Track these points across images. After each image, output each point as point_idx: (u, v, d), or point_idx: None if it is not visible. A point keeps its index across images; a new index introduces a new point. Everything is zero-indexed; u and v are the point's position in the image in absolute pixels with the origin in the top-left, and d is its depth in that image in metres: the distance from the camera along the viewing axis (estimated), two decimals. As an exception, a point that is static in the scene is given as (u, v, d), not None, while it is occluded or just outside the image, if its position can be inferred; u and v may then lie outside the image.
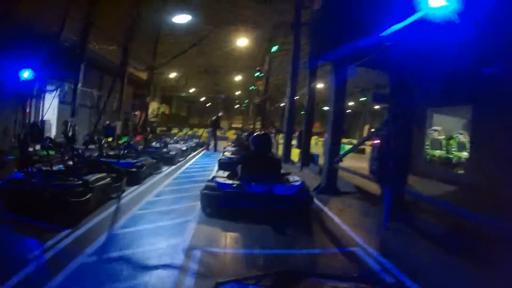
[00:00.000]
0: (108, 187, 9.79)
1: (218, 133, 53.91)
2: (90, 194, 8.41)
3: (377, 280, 2.90)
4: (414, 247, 7.49)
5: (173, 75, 43.23)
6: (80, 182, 8.55)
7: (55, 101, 21.50)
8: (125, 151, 14.55)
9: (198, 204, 9.48)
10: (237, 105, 73.16)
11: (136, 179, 12.52)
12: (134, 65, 31.63)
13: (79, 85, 22.74)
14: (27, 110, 18.54)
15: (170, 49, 35.17)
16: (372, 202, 11.29)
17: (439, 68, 10.61)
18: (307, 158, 19.44)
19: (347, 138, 56.34)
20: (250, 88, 48.64)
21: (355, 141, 48.83)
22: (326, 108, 59.04)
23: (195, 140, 30.76)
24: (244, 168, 10.02)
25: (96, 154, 13.86)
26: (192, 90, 57.33)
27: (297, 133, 20.65)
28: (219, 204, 8.82)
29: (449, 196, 11.40)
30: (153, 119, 48.87)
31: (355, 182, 13.72)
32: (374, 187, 11.46)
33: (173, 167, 17.32)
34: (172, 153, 18.54)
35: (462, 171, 17.32)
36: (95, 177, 9.22)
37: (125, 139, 23.68)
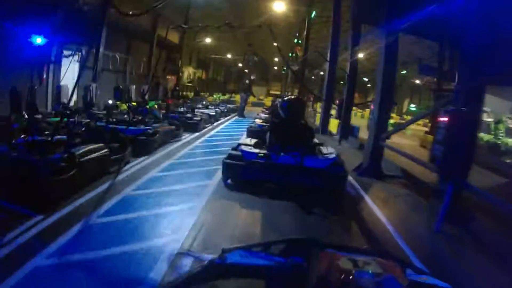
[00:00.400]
0: (104, 160, 8.18)
1: (253, 98, 53.26)
2: (74, 170, 6.82)
3: (397, 256, 2.21)
4: (476, 266, 5.52)
5: (208, 40, 41.00)
6: (65, 155, 6.92)
7: (76, 66, 20.35)
8: (136, 117, 12.85)
9: (211, 183, 8.16)
10: (276, 71, 71.47)
11: (146, 148, 11.02)
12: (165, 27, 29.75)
13: (101, 49, 21.30)
14: (44, 77, 17.90)
15: (204, 13, 33.22)
16: (421, 192, 9.24)
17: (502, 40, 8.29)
18: (347, 131, 17.33)
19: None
20: (289, 54, 46.21)
21: (394, 116, 47.18)
22: (366, 79, 59.08)
23: (228, 105, 28.93)
24: (272, 136, 8.84)
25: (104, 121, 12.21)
26: (229, 56, 55.10)
27: (337, 102, 18.33)
28: (242, 175, 7.91)
29: (502, 191, 9.48)
30: (189, 84, 47.71)
31: (398, 162, 11.66)
32: (420, 170, 9.74)
33: (196, 134, 15.72)
34: (196, 118, 16.82)
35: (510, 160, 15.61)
36: (86, 148, 7.59)
37: (152, 103, 22.34)
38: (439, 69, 22.21)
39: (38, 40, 15.58)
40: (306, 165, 7.58)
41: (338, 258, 1.87)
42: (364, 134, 18.48)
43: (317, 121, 23.31)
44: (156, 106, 20.54)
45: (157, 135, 11.76)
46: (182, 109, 18.04)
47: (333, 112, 20.76)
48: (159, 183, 8.18)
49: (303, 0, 32.26)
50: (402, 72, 50.37)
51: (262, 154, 7.83)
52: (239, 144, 8.67)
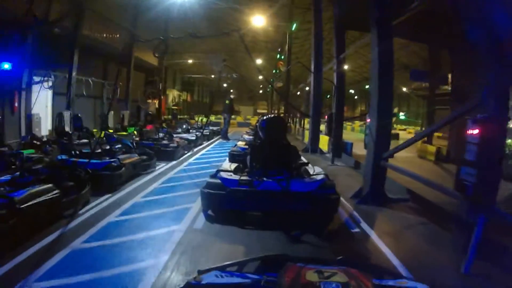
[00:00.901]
0: (54, 204, 6.70)
1: (240, 118, 51.62)
2: (14, 219, 5.50)
3: (365, 263, 2.74)
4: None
5: (190, 61, 39.62)
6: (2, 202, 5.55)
7: (49, 93, 19.82)
8: (100, 147, 11.29)
9: (179, 228, 6.72)
10: (261, 90, 70.60)
11: (110, 185, 9.41)
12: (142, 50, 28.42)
13: (74, 73, 20.21)
14: (16, 105, 16.73)
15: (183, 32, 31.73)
16: (436, 220, 7.64)
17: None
18: (339, 148, 15.71)
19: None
20: (274, 71, 44.92)
21: None
22: (352, 91, 58.03)
23: (212, 128, 27.14)
24: (253, 160, 8.21)
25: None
26: (213, 76, 53.62)
27: (325, 117, 16.65)
28: (223, 205, 7.28)
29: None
30: (174, 107, 46.61)
31: (401, 179, 9.99)
32: (428, 190, 8.14)
33: (173, 163, 13.96)
34: (173, 145, 15.03)
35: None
36: (30, 191, 6.22)
37: (131, 129, 20.76)
38: (431, 73, 20.96)
39: (6, 66, 15.04)
40: (292, 190, 6.99)
41: (305, 271, 2.01)
42: (358, 150, 16.94)
43: (306, 139, 21.68)
44: (135, 132, 19.02)
45: (123, 168, 10.07)
46: (159, 135, 16.16)
47: (322, 127, 19.10)
48: (117, 230, 6.51)
49: (283, 15, 30.77)
50: None
51: (243, 181, 7.18)
52: (218, 171, 7.80)
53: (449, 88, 27.04)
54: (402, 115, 54.41)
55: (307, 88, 40.51)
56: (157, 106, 34.12)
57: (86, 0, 19.78)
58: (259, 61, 43.57)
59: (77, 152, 10.76)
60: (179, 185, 10.34)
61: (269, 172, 7.59)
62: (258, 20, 27.80)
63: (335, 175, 11.69)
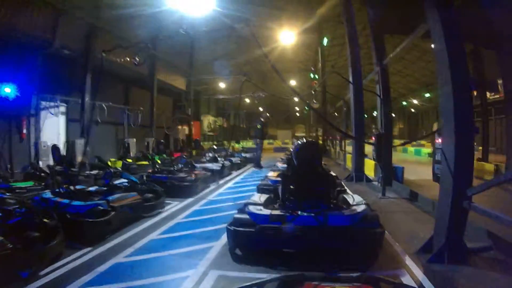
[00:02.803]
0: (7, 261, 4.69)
1: (278, 143, 48.71)
2: None
3: (379, 279, 2.34)
4: None
5: (222, 85, 37.37)
6: None
7: (61, 120, 18.01)
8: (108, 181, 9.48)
9: None
10: (298, 113, 68.17)
11: (90, 236, 7.00)
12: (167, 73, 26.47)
13: (87, 99, 18.00)
14: (24, 131, 15.37)
15: (208, 54, 29.67)
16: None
17: None
18: (390, 175, 12.67)
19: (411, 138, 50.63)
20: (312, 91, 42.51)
21: (424, 143, 43.33)
22: (404, 102, 54.52)
23: (245, 155, 24.38)
24: (286, 191, 7.21)
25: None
26: (247, 100, 51.27)
27: (372, 139, 13.51)
28: (253, 244, 6.25)
29: None
30: (210, 133, 45.27)
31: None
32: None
33: (188, 201, 11.11)
34: (190, 179, 12.20)
35: None
36: None
37: (157, 158, 18.21)
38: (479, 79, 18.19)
39: (7, 90, 13.92)
40: (331, 224, 6.07)
41: None
42: (408, 175, 13.94)
43: (348, 164, 18.64)
44: (159, 161, 16.58)
45: (113, 213, 7.52)
46: (174, 167, 13.45)
47: (366, 150, 16.09)
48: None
49: (312, 32, 28.33)
50: (427, 95, 47.65)
51: (275, 216, 6.25)
52: (246, 204, 6.83)
53: (495, 96, 23.99)
54: None
55: (344, 109, 38.00)
56: (187, 132, 31.74)
57: (100, 20, 17.71)
58: (292, 82, 41.22)
59: (67, 189, 8.34)
60: (186, 235, 7.52)
61: (304, 204, 6.63)
62: (287, 38, 25.41)
63: (389, 212, 9.14)
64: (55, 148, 13.69)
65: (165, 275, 5.39)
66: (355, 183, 14.62)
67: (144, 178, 11.74)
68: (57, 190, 8.40)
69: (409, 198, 11.00)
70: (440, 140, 8.35)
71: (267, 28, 25.79)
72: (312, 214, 6.21)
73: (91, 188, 9.24)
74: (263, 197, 7.47)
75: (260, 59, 31.21)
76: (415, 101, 53.08)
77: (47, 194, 8.12)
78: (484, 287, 5.00)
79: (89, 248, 6.51)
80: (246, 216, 6.35)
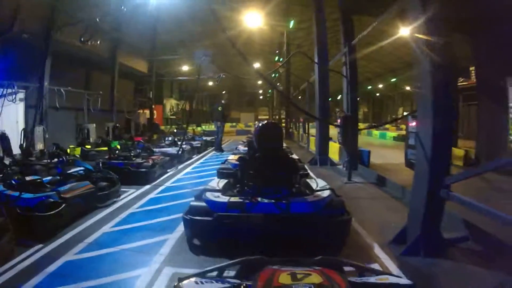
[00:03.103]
0: None
1: (241, 125, 48.12)
2: None
3: (343, 262, 2.48)
4: None
5: (185, 67, 36.37)
6: None
7: (19, 107, 16.92)
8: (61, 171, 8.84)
9: None
10: (261, 96, 67.70)
11: (41, 231, 6.36)
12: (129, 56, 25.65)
13: (46, 84, 17.16)
14: None
15: (172, 37, 28.70)
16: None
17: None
18: (355, 159, 12.34)
19: (376, 122, 51.30)
20: (272, 75, 41.74)
21: (388, 127, 43.99)
22: (369, 87, 54.83)
23: (206, 138, 23.87)
24: (245, 176, 6.60)
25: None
26: (210, 83, 50.34)
27: (338, 121, 13.11)
28: (210, 234, 5.76)
29: None
30: (172, 117, 44.63)
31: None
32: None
33: (145, 188, 10.51)
34: (147, 164, 11.59)
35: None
36: None
37: (115, 143, 17.40)
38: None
39: None
40: (294, 211, 5.61)
41: (279, 273, 2.01)
42: (373, 159, 13.71)
43: (312, 147, 18.27)
44: (119, 146, 15.81)
45: (64, 205, 6.87)
46: (130, 153, 12.71)
47: (330, 133, 15.69)
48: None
49: (279, 15, 27.62)
50: (392, 80, 47.69)
51: (233, 203, 5.76)
52: (204, 190, 6.37)
53: (464, 82, 24.20)
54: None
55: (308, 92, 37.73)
56: (148, 116, 30.91)
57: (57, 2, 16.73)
58: (256, 65, 40.59)
59: (19, 181, 7.58)
60: (139, 228, 6.95)
61: (265, 190, 6.11)
62: (253, 20, 24.68)
63: (356, 198, 8.81)
64: (3, 137, 12.79)
65: (116, 274, 4.86)
66: (319, 166, 14.24)
67: (101, 165, 11.05)
68: (8, 182, 7.61)
69: (376, 183, 10.68)
70: (414, 124, 7.96)
71: (232, 9, 25.05)
72: (273, 201, 5.79)
73: (45, 179, 8.53)
74: (221, 183, 7.05)
75: (225, 40, 30.39)
76: (380, 86, 53.68)
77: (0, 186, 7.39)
78: (465, 284, 4.65)
79: (40, 245, 5.91)
80: (203, 204, 5.90)
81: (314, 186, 6.76)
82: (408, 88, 47.18)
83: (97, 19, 14.36)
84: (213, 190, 6.40)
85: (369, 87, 56.79)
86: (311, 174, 8.98)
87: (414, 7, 5.73)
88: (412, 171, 6.16)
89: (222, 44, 31.79)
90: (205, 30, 27.21)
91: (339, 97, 37.37)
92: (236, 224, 5.62)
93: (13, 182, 7.51)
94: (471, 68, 21.02)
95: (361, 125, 30.99)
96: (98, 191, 8.42)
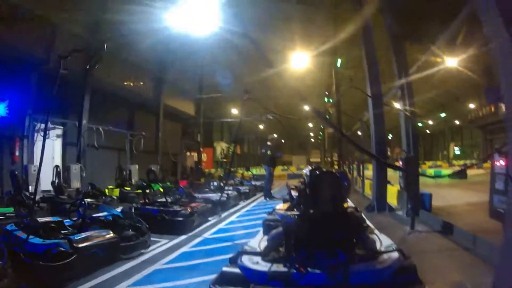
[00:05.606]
0: None
1: (293, 169, 46.87)
2: None
3: None
4: None
5: (234, 111, 36.03)
6: None
7: (56, 143, 16.90)
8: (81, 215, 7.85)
9: None
10: (312, 139, 67.03)
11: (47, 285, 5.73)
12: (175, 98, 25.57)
13: (84, 122, 16.89)
14: (16, 153, 14.50)
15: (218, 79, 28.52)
16: None
17: None
18: (418, 205, 10.83)
19: (425, 160, 49.54)
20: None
21: (442, 164, 42.11)
22: (430, 121, 53.19)
23: (255, 183, 22.53)
24: (291, 238, 4.96)
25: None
26: (261, 127, 49.79)
27: (400, 163, 11.60)
28: None
29: None
30: (223, 160, 44.20)
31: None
32: None
33: (180, 239, 9.30)
34: (184, 213, 10.33)
35: None
36: None
37: (157, 186, 16.47)
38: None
39: None
40: (356, 282, 4.22)
41: None
42: (436, 201, 12.17)
43: (367, 191, 16.78)
44: (161, 189, 14.95)
45: (75, 255, 5.95)
46: (166, 199, 11.34)
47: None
48: None
49: (326, 55, 26.72)
50: (442, 115, 47.81)
51: (276, 273, 4.36)
52: (241, 252, 4.99)
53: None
54: (456, 150, 52.00)
55: (359, 133, 36.29)
56: (196, 159, 30.35)
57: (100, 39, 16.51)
58: (306, 108, 39.79)
59: (32, 222, 6.83)
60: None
61: (317, 255, 4.73)
62: (300, 60, 23.85)
63: (423, 253, 7.21)
64: (13, 174, 12.19)
65: None
66: (377, 213, 12.71)
67: (133, 210, 10.08)
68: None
69: (442, 231, 9.12)
70: (502, 163, 6.44)
71: (278, 51, 24.34)
72: (327, 269, 4.48)
73: (66, 221, 7.69)
74: (265, 241, 5.56)
75: (270, 82, 29.87)
76: (430, 122, 52.09)
77: (12, 225, 6.65)
78: None
79: None
80: (237, 271, 4.69)
81: (377, 245, 5.34)
82: (457, 122, 46.72)
83: (105, 43, 13.87)
84: (253, 253, 5.13)
85: (420, 123, 55.35)
86: (371, 226, 7.58)
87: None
88: (498, 222, 4.77)
89: (267, 86, 31.34)
90: (250, 72, 26.67)
91: (389, 136, 35.84)
92: None
93: (25, 222, 6.81)
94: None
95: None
96: (122, 241, 7.36)
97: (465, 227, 8.45)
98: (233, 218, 13.05)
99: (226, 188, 15.71)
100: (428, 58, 12.09)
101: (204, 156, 33.25)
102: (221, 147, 45.16)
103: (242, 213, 14.17)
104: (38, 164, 14.10)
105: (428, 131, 60.26)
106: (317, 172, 5.78)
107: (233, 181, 20.67)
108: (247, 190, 19.07)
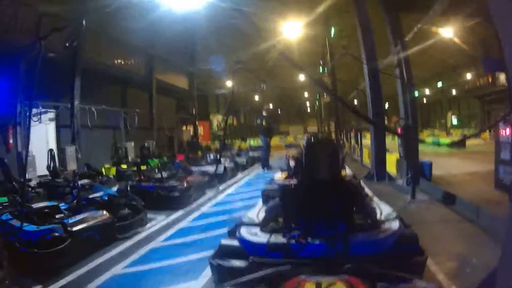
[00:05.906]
0: None
1: (290, 139, 46.80)
2: None
3: (369, 270, 2.35)
4: None
5: (229, 83, 35.55)
6: None
7: (49, 127, 16.44)
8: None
9: None
10: (309, 108, 66.76)
11: (39, 271, 5.51)
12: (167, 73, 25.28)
13: (76, 102, 16.40)
14: (10, 141, 13.89)
15: (210, 50, 28.00)
16: None
17: None
18: (418, 173, 10.66)
19: (423, 129, 49.49)
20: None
21: (439, 133, 42.04)
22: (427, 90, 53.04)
23: (253, 154, 22.46)
24: (288, 209, 4.69)
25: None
26: (257, 98, 49.39)
27: (398, 130, 11.39)
28: (244, 285, 3.51)
29: None
30: (220, 133, 42.77)
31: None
32: None
33: (177, 214, 9.22)
34: (180, 188, 10.24)
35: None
36: None
37: (154, 162, 16.28)
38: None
39: None
40: (355, 253, 3.93)
41: (304, 283, 2.03)
42: (435, 170, 12.06)
43: (365, 159, 16.64)
44: (159, 165, 14.75)
45: (70, 240, 5.83)
46: (161, 174, 11.30)
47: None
48: None
49: (319, 25, 26.36)
50: (439, 85, 47.76)
51: (274, 245, 4.12)
52: (239, 224, 4.82)
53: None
54: (455, 119, 51.65)
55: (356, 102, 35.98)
56: (192, 133, 30.10)
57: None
58: (302, 77, 39.34)
59: (26, 209, 6.51)
60: (158, 270, 5.63)
61: (316, 225, 4.41)
62: (292, 30, 23.46)
63: (424, 223, 7.05)
64: (1, 163, 11.95)
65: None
66: (376, 182, 12.55)
67: (129, 188, 9.92)
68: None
69: (443, 200, 8.99)
70: (507, 132, 6.19)
71: (270, 21, 23.90)
72: (326, 240, 4.27)
73: (61, 205, 7.51)
74: (263, 212, 5.24)
75: (265, 55, 29.44)
76: (427, 91, 51.79)
77: (7, 215, 6.38)
78: None
79: (38, 287, 4.96)
80: (235, 243, 4.51)
81: (377, 213, 5.06)
82: (454, 91, 46.44)
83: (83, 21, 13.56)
84: (251, 224, 4.96)
85: (416, 92, 54.94)
86: (371, 194, 7.43)
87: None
88: (502, 192, 4.59)
89: (262, 58, 30.99)
90: (243, 44, 26.26)
91: (386, 106, 35.59)
92: (278, 272, 4.00)
93: (19, 209, 6.52)
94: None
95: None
96: (117, 220, 7.23)
97: (467, 197, 8.37)
98: (231, 190, 12.97)
99: (223, 160, 15.58)
100: (423, 27, 11.76)
101: (200, 130, 32.98)
102: (217, 119, 44.81)
103: (241, 184, 14.11)
104: (32, 150, 13.99)
105: (425, 101, 60.01)
106: (312, 140, 5.70)
107: (230, 153, 20.53)
108: (245, 162, 19.04)
